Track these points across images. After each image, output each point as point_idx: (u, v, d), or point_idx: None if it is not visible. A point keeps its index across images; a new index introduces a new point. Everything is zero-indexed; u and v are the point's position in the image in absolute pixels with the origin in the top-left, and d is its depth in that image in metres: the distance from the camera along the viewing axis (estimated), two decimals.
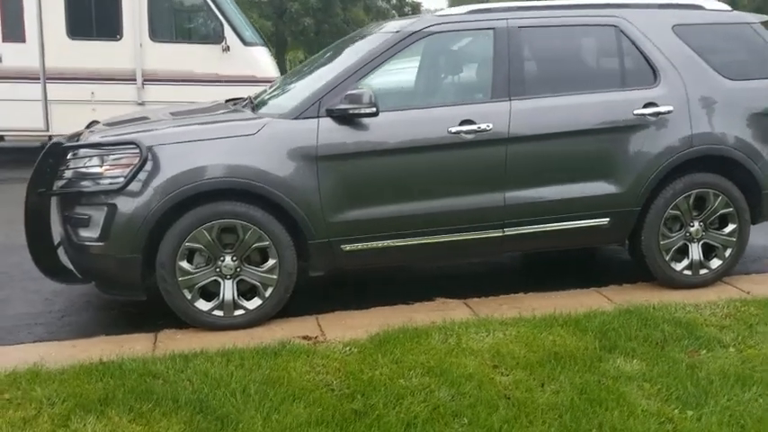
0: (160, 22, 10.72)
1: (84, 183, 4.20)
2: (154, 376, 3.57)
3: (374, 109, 4.13)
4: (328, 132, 4.25)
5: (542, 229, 4.58)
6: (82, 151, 4.29)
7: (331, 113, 4.25)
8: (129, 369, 3.63)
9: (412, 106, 4.51)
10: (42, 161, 4.25)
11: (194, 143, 4.18)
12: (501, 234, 4.53)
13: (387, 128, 4.31)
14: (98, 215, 4.13)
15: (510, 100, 4.46)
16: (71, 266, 4.43)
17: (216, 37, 10.54)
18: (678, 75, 4.70)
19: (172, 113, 5.00)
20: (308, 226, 4.25)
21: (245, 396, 3.38)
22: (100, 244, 4.13)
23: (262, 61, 10.80)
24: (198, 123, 4.61)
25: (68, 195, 4.26)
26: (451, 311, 4.50)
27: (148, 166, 4.08)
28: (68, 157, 4.29)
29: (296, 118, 4.27)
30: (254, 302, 4.30)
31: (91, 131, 4.62)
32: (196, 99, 8.72)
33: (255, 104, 4.86)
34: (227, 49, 10.47)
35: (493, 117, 4.41)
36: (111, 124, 4.83)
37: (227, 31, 10.51)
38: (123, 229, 4.10)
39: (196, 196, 4.11)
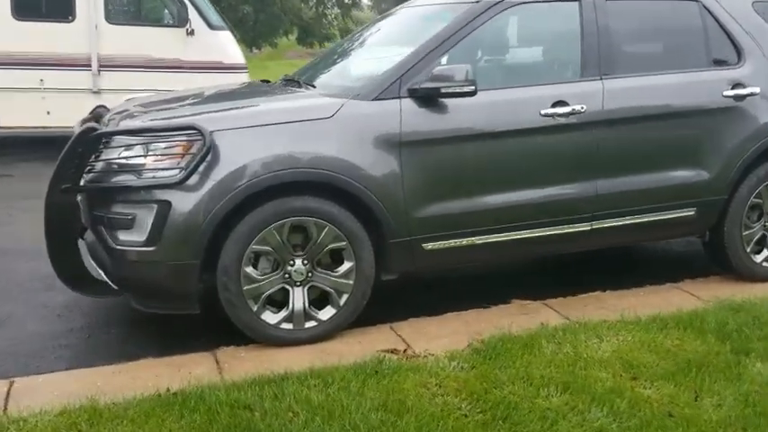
0: (117, 2, 9.79)
1: (126, 176, 3.51)
2: (248, 408, 2.96)
3: (472, 87, 3.61)
4: (412, 115, 3.71)
5: (630, 221, 4.18)
6: (119, 139, 3.58)
7: (414, 93, 3.71)
8: (214, 401, 3.00)
9: (499, 86, 4.01)
10: (70, 151, 3.53)
11: (262, 128, 3.56)
12: (589, 228, 4.11)
13: (475, 110, 3.80)
14: (145, 215, 3.45)
15: (602, 79, 4.04)
16: (102, 276, 3.72)
17: (179, 20, 9.70)
18: (762, 53, 4.40)
19: (214, 95, 4.33)
20: (389, 222, 3.70)
21: (371, 428, 2.82)
22: (148, 249, 3.46)
23: (229, 47, 10.02)
24: (260, 105, 3.96)
25: (103, 192, 3.56)
26: (537, 315, 4.05)
27: (210, 154, 3.43)
28: (101, 147, 3.58)
29: (375, 99, 3.70)
30: (327, 312, 3.72)
31: (126, 115, 3.90)
32: (157, 87, 7.94)
33: (304, 85, 4.26)
34: (191, 32, 9.64)
35: (586, 98, 3.97)
36: (148, 105, 4.11)
37: (192, 13, 9.67)
38: (180, 230, 3.44)
39: (266, 190, 3.49)
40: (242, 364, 3.50)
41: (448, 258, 3.95)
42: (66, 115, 8.22)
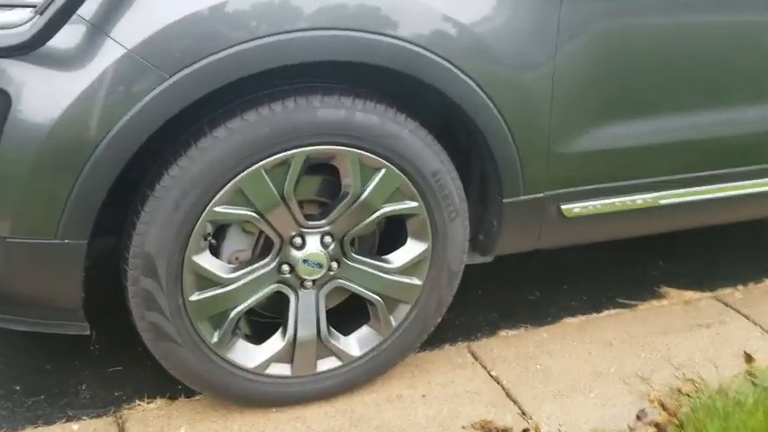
0: None
1: None
2: None
3: None
4: None
5: None
6: None
7: None
8: None
9: None
10: None
11: None
12: None
13: None
14: None
15: None
16: None
17: None
18: None
19: None
20: (513, 163, 1.71)
21: None
22: None
23: None
24: None
25: None
26: (718, 325, 2.24)
27: None
28: None
29: None
30: (365, 339, 1.78)
31: None
32: None
33: None
34: None
35: None
36: None
37: None
38: (34, 169, 1.38)
39: (247, 81, 1.43)
40: None
41: (597, 231, 2.02)
42: None
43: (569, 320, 2.24)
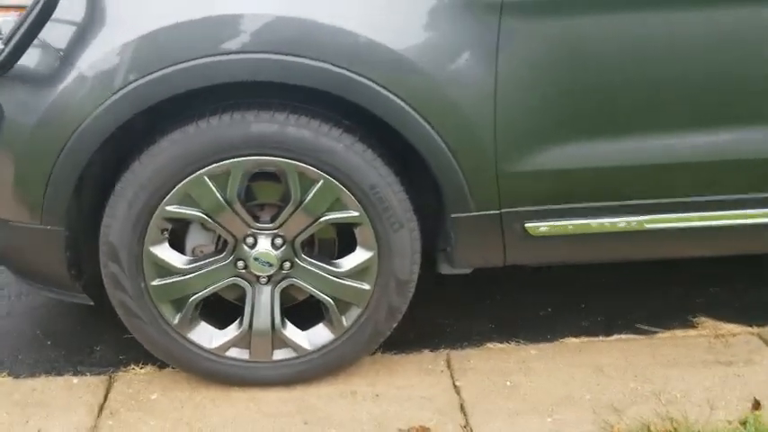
0: None
1: None
2: None
3: None
4: None
5: None
6: None
7: None
8: None
9: None
10: None
11: None
12: None
13: None
14: None
15: None
16: None
17: None
18: None
19: None
20: (457, 180, 1.74)
21: None
22: None
23: None
24: None
25: None
26: (747, 365, 2.05)
27: (68, 8, 1.58)
28: None
29: None
30: (317, 335, 1.92)
31: None
32: None
33: None
34: None
35: None
36: None
37: None
38: (15, 163, 1.70)
39: (195, 94, 1.63)
40: (137, 422, 1.83)
41: (575, 252, 1.96)
42: None
43: (569, 341, 2.19)
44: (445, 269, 1.98)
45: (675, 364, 2.08)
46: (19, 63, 1.59)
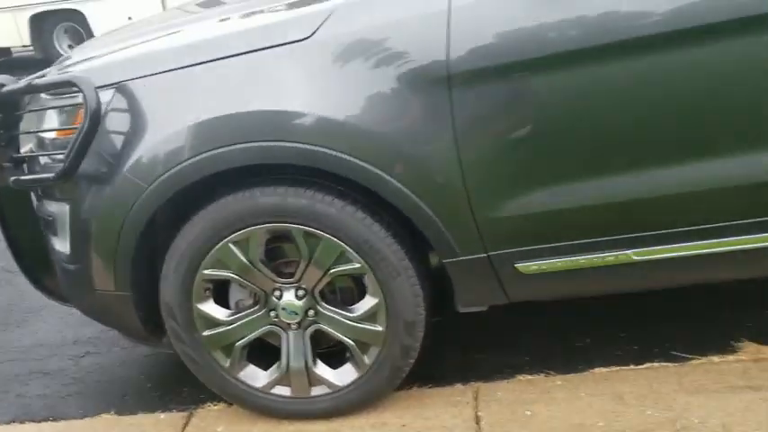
0: None
1: (38, 158, 2.27)
2: None
3: None
4: (471, 19, 1.82)
5: None
6: (38, 99, 2.32)
7: None
8: None
9: None
10: None
11: (187, 73, 1.99)
12: None
13: None
14: (62, 216, 2.22)
15: None
16: None
17: None
18: None
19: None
20: (437, 228, 1.95)
21: None
22: (70, 267, 2.24)
23: None
24: (183, 31, 2.34)
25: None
26: None
27: (110, 122, 2.02)
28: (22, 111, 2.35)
29: None
30: (345, 374, 2.18)
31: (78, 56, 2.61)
32: None
33: None
34: None
35: None
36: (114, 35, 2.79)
37: None
38: (92, 245, 2.15)
39: (211, 181, 2.00)
40: None
41: (571, 286, 2.07)
42: None
43: (599, 370, 2.27)
44: (460, 308, 2.17)
45: (701, 390, 2.09)
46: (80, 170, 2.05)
